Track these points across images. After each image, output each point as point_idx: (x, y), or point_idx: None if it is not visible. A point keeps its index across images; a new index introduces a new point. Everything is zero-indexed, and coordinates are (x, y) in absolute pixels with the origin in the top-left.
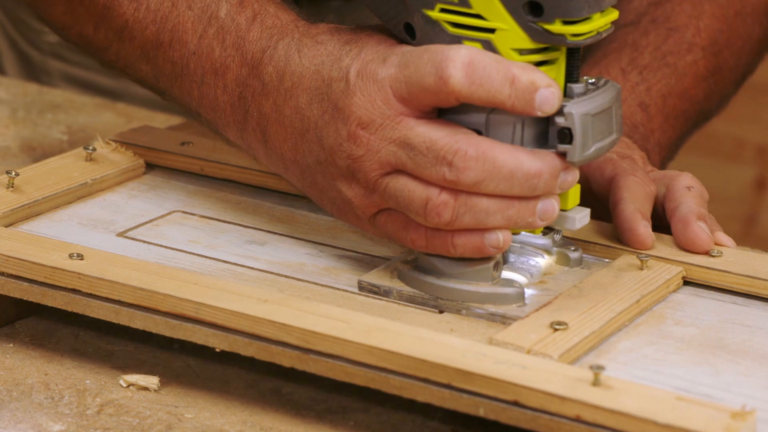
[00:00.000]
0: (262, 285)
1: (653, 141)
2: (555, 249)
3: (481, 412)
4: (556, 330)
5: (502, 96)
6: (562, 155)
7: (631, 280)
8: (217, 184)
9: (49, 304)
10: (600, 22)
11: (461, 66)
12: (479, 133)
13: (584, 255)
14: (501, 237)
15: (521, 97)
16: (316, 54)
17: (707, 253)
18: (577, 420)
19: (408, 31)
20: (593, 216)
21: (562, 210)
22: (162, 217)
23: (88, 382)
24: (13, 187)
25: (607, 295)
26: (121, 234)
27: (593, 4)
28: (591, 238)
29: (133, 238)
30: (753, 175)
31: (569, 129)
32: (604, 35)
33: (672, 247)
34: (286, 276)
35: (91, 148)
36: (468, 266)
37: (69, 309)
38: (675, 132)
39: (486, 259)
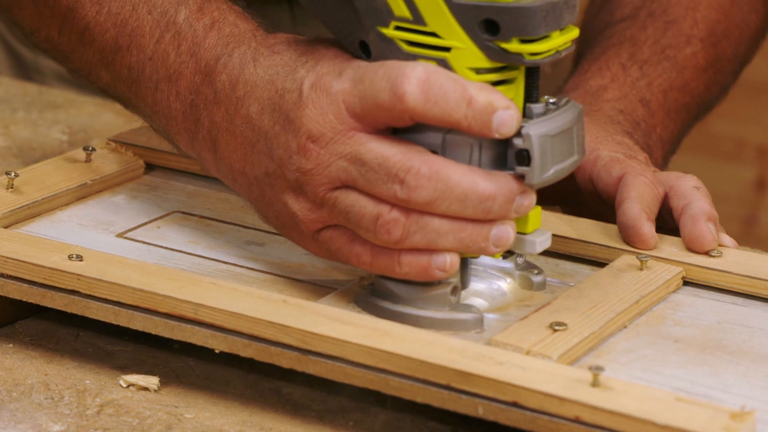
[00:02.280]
0: (262, 286)
1: (655, 137)
2: (518, 272)
3: (480, 413)
4: (555, 331)
5: (458, 116)
6: (521, 177)
7: (631, 280)
8: (216, 184)
9: (49, 306)
10: (559, 40)
11: (417, 83)
12: (436, 153)
13: (548, 279)
14: (449, 260)
15: (478, 118)
16: (272, 64)
17: (707, 254)
18: (577, 421)
19: (363, 49)
20: (598, 218)
21: (522, 233)
22: (161, 217)
23: (88, 382)
24: (12, 188)
25: (607, 295)
26: (120, 235)
27: (551, 22)
28: (591, 238)
29: (132, 239)
30: (753, 176)
31: (527, 151)
32: (564, 54)
33: (672, 248)
34: (285, 277)
35: (90, 148)
36: (424, 291)
37: (68, 310)
38: (676, 126)
39: (443, 283)
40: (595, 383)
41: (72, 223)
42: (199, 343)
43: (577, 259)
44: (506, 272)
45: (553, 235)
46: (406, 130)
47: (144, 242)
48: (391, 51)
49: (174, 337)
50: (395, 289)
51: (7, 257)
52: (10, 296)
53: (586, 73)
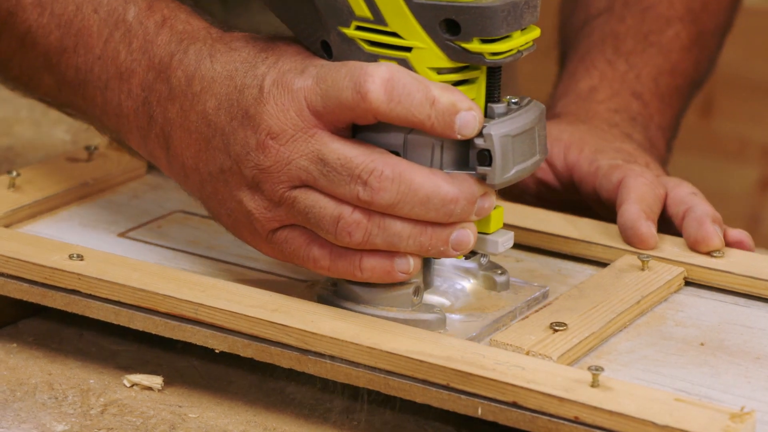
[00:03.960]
0: (262, 285)
1: (654, 127)
2: (481, 272)
3: (479, 413)
4: (555, 331)
5: (422, 116)
6: (482, 178)
7: (632, 280)
8: None
9: (49, 305)
10: (520, 40)
11: (380, 82)
12: (397, 154)
13: (512, 279)
14: (411, 262)
15: (441, 119)
16: (230, 60)
17: (709, 254)
18: (576, 421)
19: (325, 49)
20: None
21: (484, 233)
22: (163, 217)
23: (91, 381)
24: (14, 187)
25: (608, 295)
26: (122, 234)
27: (512, 22)
28: (593, 239)
29: (133, 239)
30: (757, 175)
31: (489, 151)
32: (525, 54)
33: (674, 248)
34: (285, 277)
35: (92, 148)
36: (386, 291)
37: (69, 310)
38: (672, 110)
39: (405, 284)
40: (594, 384)
41: (73, 223)
42: (200, 343)
43: (579, 259)
44: (470, 272)
45: (555, 235)
46: (368, 129)
47: (145, 242)
48: (352, 51)
49: (174, 337)
50: (357, 290)
51: (8, 257)
52: (11, 296)
53: (574, 76)
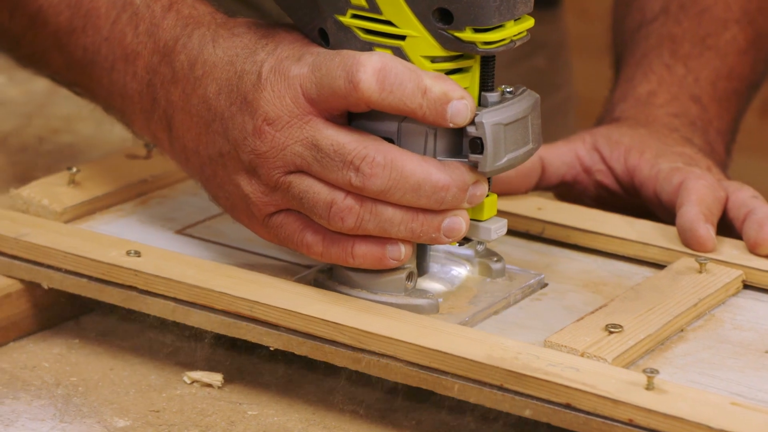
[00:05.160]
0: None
1: (713, 131)
2: (477, 259)
3: (532, 415)
4: (611, 333)
5: (414, 105)
6: (474, 165)
7: (689, 283)
8: None
9: (106, 301)
10: (513, 30)
11: (372, 71)
12: (391, 141)
13: (508, 266)
14: (403, 249)
15: (433, 108)
16: (231, 45)
17: None
18: (630, 424)
19: (322, 37)
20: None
21: (478, 221)
22: (220, 214)
23: (152, 378)
24: (74, 183)
25: (664, 298)
26: (179, 231)
27: (505, 11)
28: (651, 241)
29: (190, 236)
30: None
31: (480, 139)
32: (519, 44)
33: (733, 250)
34: None
35: (152, 145)
36: (380, 277)
37: (126, 306)
38: (730, 114)
39: (399, 269)
40: (649, 386)
41: (131, 219)
42: (254, 340)
43: (636, 261)
44: (466, 259)
45: (613, 237)
46: (362, 116)
47: (202, 239)
48: (348, 39)
49: (230, 334)
50: (352, 274)
51: (67, 252)
52: (70, 291)
53: (632, 80)
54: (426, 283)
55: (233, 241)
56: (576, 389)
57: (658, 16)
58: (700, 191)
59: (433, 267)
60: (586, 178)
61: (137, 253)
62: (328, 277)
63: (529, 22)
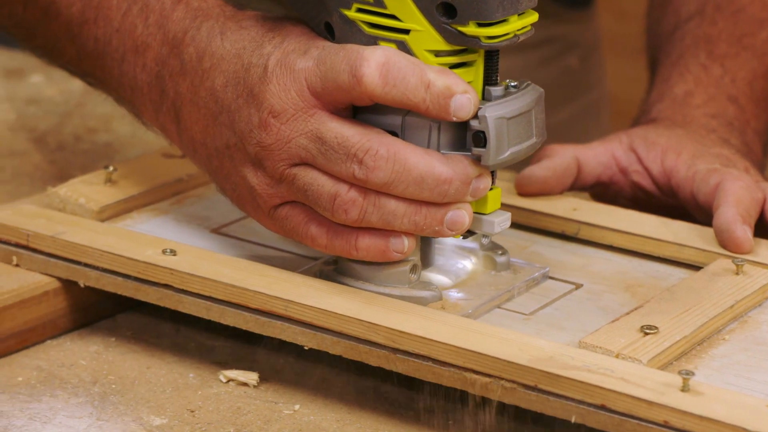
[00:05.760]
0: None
1: (751, 132)
2: (482, 252)
3: (566, 416)
4: (646, 334)
5: (417, 99)
6: (477, 159)
7: (726, 284)
8: None
9: (143, 299)
10: (517, 24)
11: (376, 66)
12: (395, 135)
13: (513, 259)
14: (406, 242)
15: (436, 101)
16: (239, 38)
17: None
18: (665, 425)
19: (328, 30)
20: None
21: (481, 214)
22: None
23: (190, 376)
24: (111, 182)
25: (700, 299)
26: (215, 230)
27: (508, 6)
28: (687, 242)
29: (226, 235)
30: None
31: (483, 132)
32: (522, 38)
33: None
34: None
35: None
36: (384, 269)
37: (161, 304)
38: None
39: (403, 261)
40: (685, 388)
41: (167, 218)
42: (289, 339)
43: (671, 262)
44: (471, 252)
45: (648, 237)
46: (367, 110)
47: (237, 238)
48: (353, 33)
49: (264, 333)
50: (357, 266)
51: (103, 251)
52: (106, 289)
53: (668, 81)
54: (431, 276)
55: (268, 240)
56: (611, 390)
57: (693, 16)
58: (737, 192)
59: (439, 260)
60: (623, 178)
61: (173, 252)
62: (333, 269)
63: (533, 17)
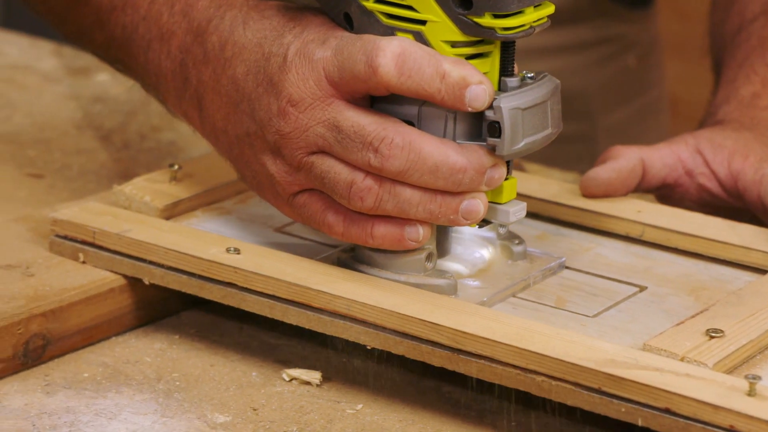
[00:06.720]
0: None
1: None
2: (499, 242)
3: (630, 419)
4: (712, 337)
5: (432, 89)
6: (492, 149)
7: None
8: None
9: (206, 297)
10: (533, 16)
11: (391, 56)
12: (411, 124)
13: (529, 249)
14: (421, 231)
15: (451, 92)
16: (260, 28)
17: None
18: (731, 430)
19: (347, 21)
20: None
21: (497, 203)
22: None
23: (253, 374)
24: (175, 180)
25: (767, 303)
26: (278, 229)
27: None
28: (753, 245)
29: (289, 234)
30: None
31: (498, 123)
32: (538, 30)
33: None
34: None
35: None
36: (400, 257)
37: (225, 302)
38: None
39: (419, 249)
40: (751, 392)
41: (231, 217)
42: (351, 339)
43: (737, 265)
44: (488, 241)
45: (714, 240)
46: (384, 99)
47: (301, 237)
48: (371, 23)
49: (327, 333)
50: (373, 254)
51: (168, 249)
52: (171, 287)
53: (734, 82)
54: (448, 264)
55: (331, 240)
56: (676, 394)
57: (758, 17)
58: None
59: (457, 249)
60: (688, 180)
61: (237, 251)
62: (351, 257)
63: (549, 9)
